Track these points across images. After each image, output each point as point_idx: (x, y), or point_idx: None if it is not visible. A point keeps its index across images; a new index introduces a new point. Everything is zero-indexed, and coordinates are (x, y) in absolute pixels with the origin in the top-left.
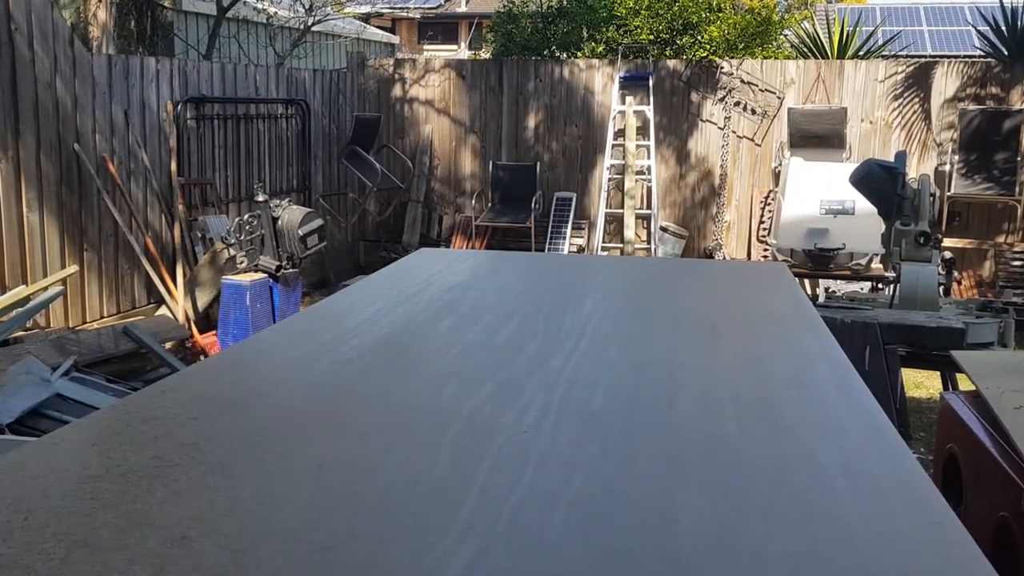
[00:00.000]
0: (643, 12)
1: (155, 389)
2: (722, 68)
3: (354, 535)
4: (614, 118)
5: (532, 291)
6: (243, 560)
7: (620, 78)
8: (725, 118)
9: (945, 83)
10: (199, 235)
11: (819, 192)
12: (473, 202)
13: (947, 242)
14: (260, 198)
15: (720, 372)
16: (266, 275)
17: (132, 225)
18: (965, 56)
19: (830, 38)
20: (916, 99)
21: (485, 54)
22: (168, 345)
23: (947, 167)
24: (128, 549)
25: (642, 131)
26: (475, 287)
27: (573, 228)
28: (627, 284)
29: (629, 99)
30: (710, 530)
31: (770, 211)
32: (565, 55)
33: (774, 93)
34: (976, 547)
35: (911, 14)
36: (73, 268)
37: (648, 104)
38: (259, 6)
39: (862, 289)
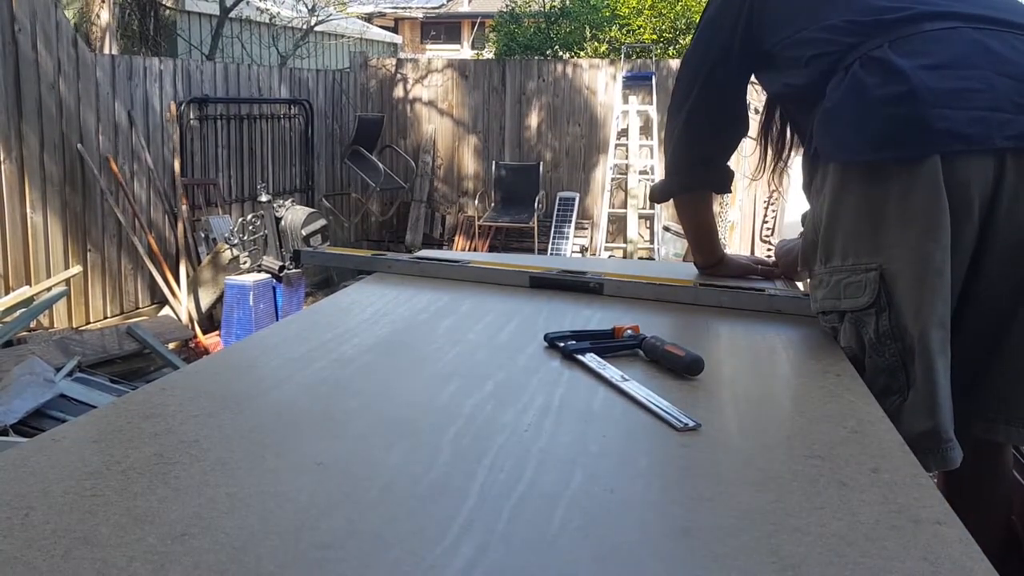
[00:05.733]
0: (646, 11)
1: (155, 387)
2: None
3: (354, 533)
4: (617, 118)
5: (534, 290)
6: (243, 557)
7: (623, 78)
8: None
9: None
10: (202, 235)
11: None
12: (476, 202)
13: None
14: (263, 198)
15: (721, 371)
16: (269, 275)
17: (135, 225)
18: None
19: None
20: None
21: (488, 54)
22: (171, 345)
23: None
24: (128, 546)
25: (645, 131)
26: (475, 286)
27: (576, 228)
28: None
29: (632, 99)
30: (711, 529)
31: (773, 211)
32: (568, 55)
33: None
34: (977, 547)
35: None
36: (77, 268)
37: (651, 104)
38: (262, 6)
39: None
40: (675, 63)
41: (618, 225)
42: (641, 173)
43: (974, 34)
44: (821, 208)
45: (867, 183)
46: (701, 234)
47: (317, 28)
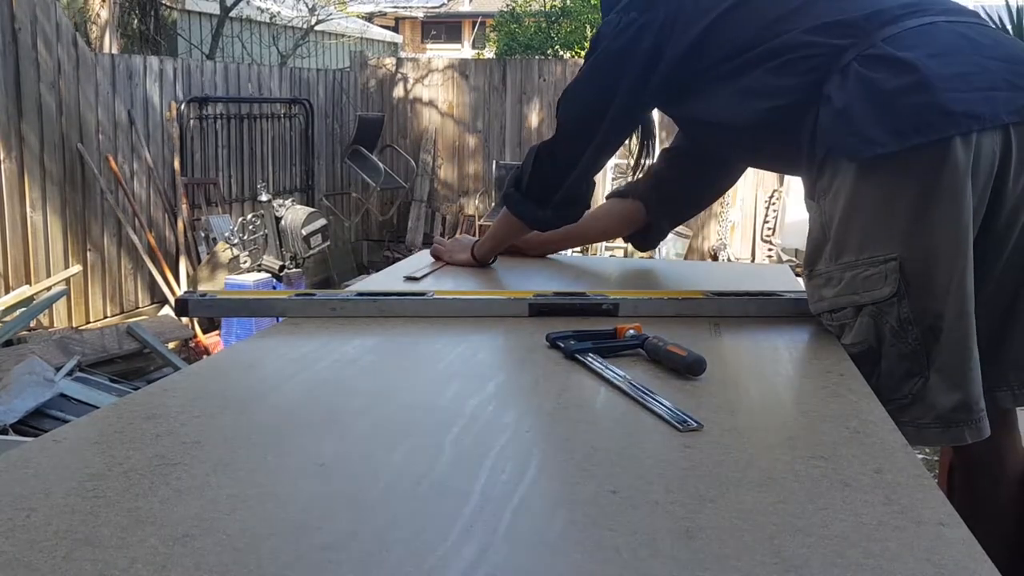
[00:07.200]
0: None
1: (157, 387)
2: None
3: (355, 534)
4: None
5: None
6: (244, 558)
7: None
8: None
9: None
10: (202, 235)
11: None
12: (476, 202)
13: None
14: (263, 198)
15: (723, 371)
16: (269, 275)
17: (135, 225)
18: None
19: None
20: None
21: (488, 53)
22: (171, 345)
23: None
24: (130, 547)
25: None
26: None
27: None
28: (630, 285)
29: None
30: (714, 530)
31: (775, 211)
32: (569, 54)
33: None
34: (980, 548)
35: None
36: (76, 268)
37: None
38: (262, 5)
39: None
40: None
41: None
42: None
43: (948, 26)
44: (832, 207)
45: (887, 174)
46: (504, 245)
47: (317, 27)
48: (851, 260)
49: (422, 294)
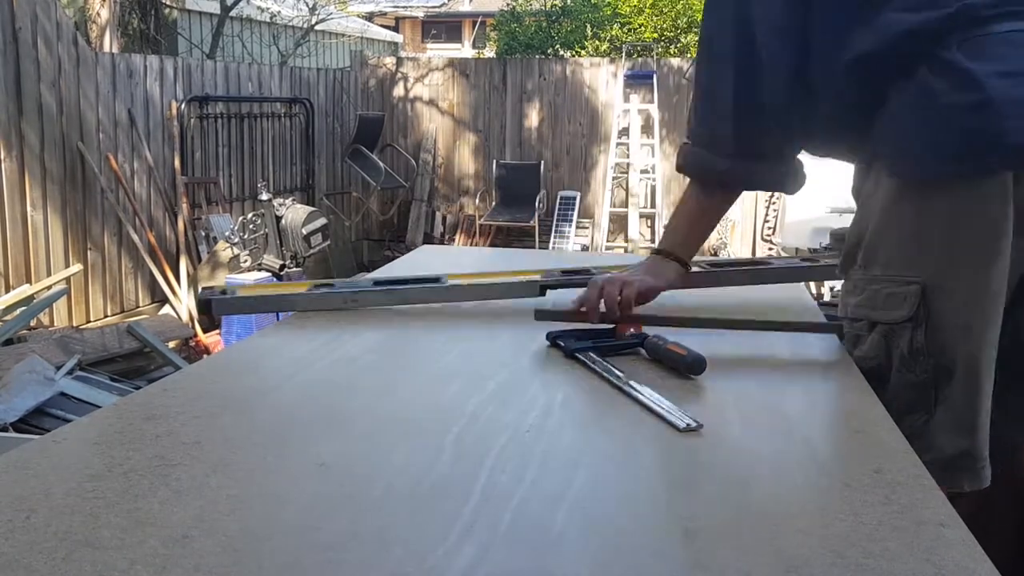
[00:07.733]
0: (647, 10)
1: (157, 387)
2: None
3: (356, 534)
4: (618, 116)
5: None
6: (244, 559)
7: (624, 76)
8: None
9: None
10: (203, 234)
11: (824, 190)
12: (476, 201)
13: None
14: (264, 197)
15: (723, 371)
16: (270, 274)
17: (136, 224)
18: None
19: None
20: None
21: (489, 53)
22: (172, 344)
23: None
24: (130, 548)
25: (646, 129)
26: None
27: (577, 227)
28: None
29: (633, 97)
30: (713, 530)
31: (775, 210)
32: (569, 53)
33: None
34: (980, 549)
35: None
36: (77, 267)
37: (652, 102)
38: (263, 5)
39: None
40: (676, 61)
41: (619, 224)
42: (642, 172)
43: None
44: (869, 214)
45: (926, 196)
46: (707, 234)
47: (318, 27)
48: (877, 274)
49: (436, 280)
